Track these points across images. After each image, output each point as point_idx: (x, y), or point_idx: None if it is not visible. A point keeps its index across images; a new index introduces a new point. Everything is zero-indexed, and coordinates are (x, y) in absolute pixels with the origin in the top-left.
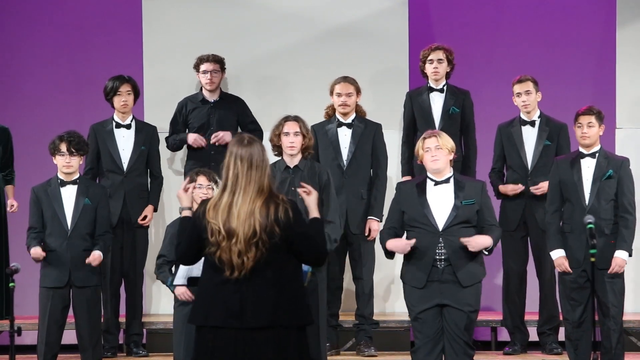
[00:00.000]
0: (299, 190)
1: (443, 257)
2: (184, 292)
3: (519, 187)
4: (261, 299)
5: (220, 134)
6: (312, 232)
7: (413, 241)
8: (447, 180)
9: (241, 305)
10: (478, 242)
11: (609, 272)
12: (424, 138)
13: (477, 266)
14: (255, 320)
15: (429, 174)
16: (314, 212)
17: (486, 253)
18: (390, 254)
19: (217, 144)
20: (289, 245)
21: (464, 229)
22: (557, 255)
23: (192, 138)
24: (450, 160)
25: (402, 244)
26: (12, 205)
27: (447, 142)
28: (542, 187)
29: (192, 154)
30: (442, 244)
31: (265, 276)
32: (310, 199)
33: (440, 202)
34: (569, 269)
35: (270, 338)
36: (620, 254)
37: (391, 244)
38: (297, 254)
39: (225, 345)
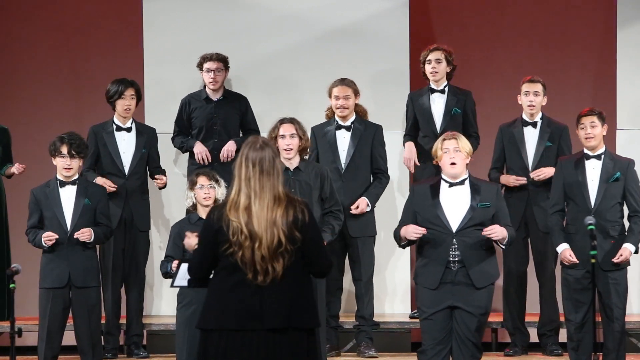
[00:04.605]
0: None
1: (457, 259)
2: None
3: (522, 179)
4: (280, 301)
5: (226, 149)
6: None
7: (423, 230)
8: (462, 182)
9: (261, 307)
10: (497, 229)
11: (614, 260)
12: (444, 139)
13: (491, 267)
14: (274, 322)
15: (443, 176)
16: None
17: (503, 247)
18: (402, 243)
19: (228, 159)
20: (302, 247)
21: (478, 231)
22: (562, 248)
23: (198, 150)
24: (467, 164)
25: (411, 227)
26: (19, 167)
27: (465, 145)
28: (544, 172)
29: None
30: (456, 246)
31: (285, 279)
32: None
33: (455, 203)
34: (576, 260)
35: (284, 340)
36: (628, 246)
37: (404, 230)
38: (305, 257)
39: (240, 348)
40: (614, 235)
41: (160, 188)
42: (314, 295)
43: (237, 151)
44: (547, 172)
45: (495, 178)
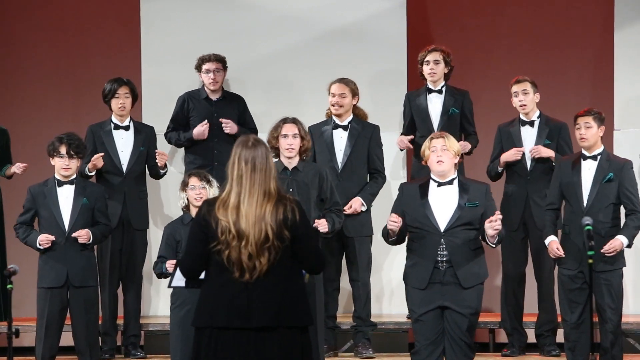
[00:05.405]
0: None
1: (445, 259)
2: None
3: (520, 150)
4: (268, 299)
5: (231, 123)
6: (315, 243)
7: (395, 217)
8: (450, 182)
9: (248, 305)
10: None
11: (603, 250)
12: (431, 138)
13: (479, 267)
14: (261, 320)
15: (432, 176)
16: None
17: (493, 245)
18: (391, 240)
19: (223, 127)
20: (292, 245)
21: (466, 231)
22: (550, 240)
23: (196, 132)
24: (455, 164)
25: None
26: (20, 166)
27: (453, 144)
28: (539, 150)
29: (193, 150)
30: (444, 245)
31: (272, 277)
32: None
33: (443, 203)
34: (561, 253)
35: (275, 339)
36: (621, 238)
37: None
38: (296, 255)
39: (229, 346)
40: (605, 237)
41: (160, 167)
42: (304, 293)
43: (234, 136)
44: (543, 151)
45: (493, 167)
